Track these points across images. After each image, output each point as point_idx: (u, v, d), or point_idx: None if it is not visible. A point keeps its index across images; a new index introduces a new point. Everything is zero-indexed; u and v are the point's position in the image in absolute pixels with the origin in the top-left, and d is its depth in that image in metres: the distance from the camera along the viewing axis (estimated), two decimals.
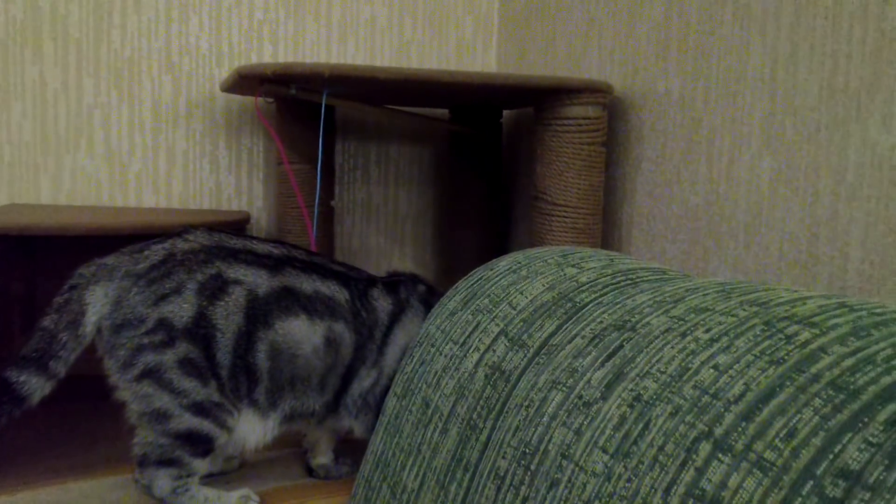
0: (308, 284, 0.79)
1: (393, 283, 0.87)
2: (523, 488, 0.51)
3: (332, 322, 0.79)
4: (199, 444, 0.75)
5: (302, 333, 0.77)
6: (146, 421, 0.74)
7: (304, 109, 1.12)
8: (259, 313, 0.76)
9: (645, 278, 0.62)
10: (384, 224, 1.49)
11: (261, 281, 0.77)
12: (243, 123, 1.37)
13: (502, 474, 0.54)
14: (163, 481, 0.75)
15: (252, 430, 0.78)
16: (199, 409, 0.74)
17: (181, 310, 0.73)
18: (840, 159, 0.77)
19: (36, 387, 0.72)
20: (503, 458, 0.55)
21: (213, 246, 0.77)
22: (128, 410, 0.76)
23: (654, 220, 1.05)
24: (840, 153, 0.77)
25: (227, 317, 0.74)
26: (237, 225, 1.28)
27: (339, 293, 0.81)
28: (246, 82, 1.02)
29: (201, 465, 0.77)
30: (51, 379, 0.73)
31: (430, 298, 0.87)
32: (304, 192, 1.13)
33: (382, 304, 0.83)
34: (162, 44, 1.30)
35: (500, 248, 1.45)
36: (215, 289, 0.75)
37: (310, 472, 0.89)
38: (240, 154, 1.37)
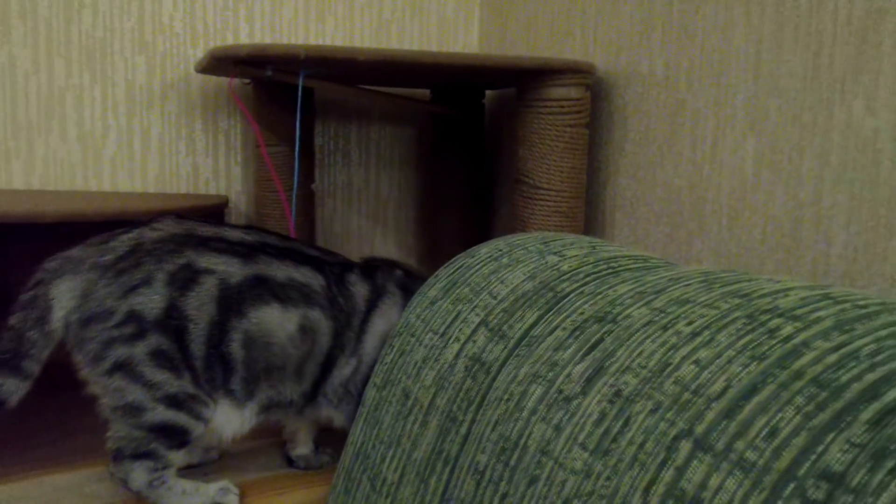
0: (282, 271, 0.77)
1: (370, 268, 0.85)
2: (503, 484, 0.50)
3: (307, 309, 0.77)
4: (175, 436, 0.74)
5: (275, 322, 0.75)
6: (119, 415, 0.73)
7: (282, 91, 1.10)
8: (232, 302, 0.74)
9: (627, 267, 0.61)
10: (366, 207, 1.47)
11: (233, 270, 0.75)
12: (220, 105, 1.34)
13: (482, 469, 0.53)
14: (138, 474, 0.74)
15: (228, 420, 0.76)
16: (173, 401, 0.73)
17: (151, 301, 0.71)
18: (824, 142, 0.76)
19: (12, 389, 0.70)
20: (483, 452, 0.54)
21: (183, 234, 0.75)
22: (100, 404, 0.74)
23: (637, 203, 1.03)
24: (824, 135, 0.76)
25: (200, 307, 0.72)
26: (215, 209, 1.26)
27: (314, 279, 0.79)
28: (220, 64, 1.00)
29: (177, 458, 0.76)
30: (26, 379, 0.71)
31: (408, 283, 0.86)
32: (282, 175, 1.10)
33: (359, 290, 0.82)
34: (134, 23, 1.26)
35: (483, 230, 1.44)
36: (186, 279, 0.73)
37: (290, 462, 0.88)
38: (217, 137, 1.34)
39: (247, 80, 1.16)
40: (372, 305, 0.82)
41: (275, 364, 0.76)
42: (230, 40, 1.31)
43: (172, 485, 0.76)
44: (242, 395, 0.76)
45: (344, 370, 0.81)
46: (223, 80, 1.32)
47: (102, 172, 1.28)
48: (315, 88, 1.21)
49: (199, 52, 1.30)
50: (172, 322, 0.72)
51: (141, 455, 0.74)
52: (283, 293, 0.76)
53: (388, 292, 0.84)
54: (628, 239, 1.06)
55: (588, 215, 1.12)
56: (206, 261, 0.74)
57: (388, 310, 0.82)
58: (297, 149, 1.05)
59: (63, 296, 0.71)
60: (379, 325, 0.82)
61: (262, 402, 0.77)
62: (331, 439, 0.90)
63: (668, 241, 0.97)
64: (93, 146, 1.27)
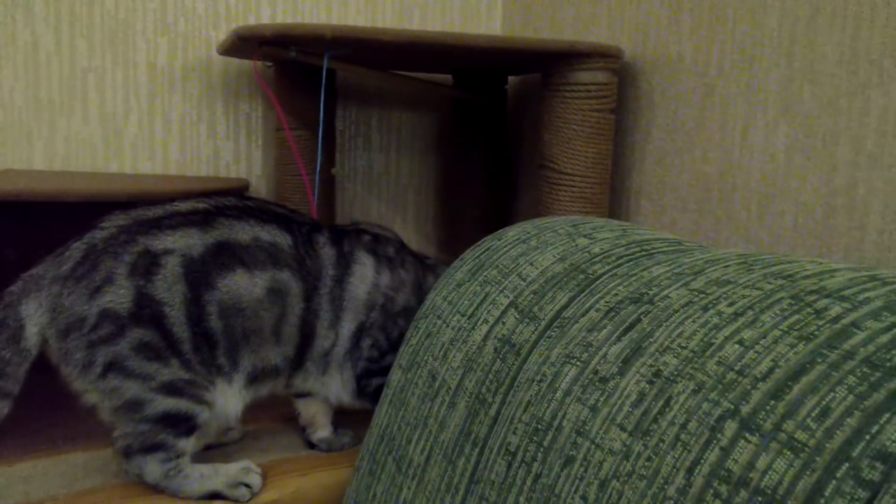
0: (245, 232, 0.76)
1: (339, 231, 0.84)
2: (535, 465, 0.49)
3: (275, 271, 0.76)
4: (180, 423, 0.73)
5: (244, 286, 0.74)
6: (122, 413, 0.72)
7: (304, 74, 1.09)
8: (200, 276, 0.73)
9: (661, 249, 0.60)
10: (385, 192, 1.46)
11: (193, 241, 0.74)
12: (241, 88, 1.33)
13: (513, 450, 0.53)
14: (152, 467, 0.74)
15: (225, 398, 0.76)
16: (171, 388, 0.72)
17: (118, 296, 0.70)
18: (860, 127, 0.75)
19: None
20: (514, 433, 0.53)
21: (131, 223, 0.74)
22: (100, 410, 0.73)
23: (663, 190, 1.02)
24: (860, 120, 0.75)
25: (170, 289, 0.71)
26: (236, 192, 1.25)
27: (281, 238, 0.78)
28: (244, 44, 0.99)
29: (188, 445, 0.75)
30: (6, 398, 0.71)
31: (376, 248, 0.85)
32: (304, 159, 1.10)
33: (328, 252, 0.81)
34: (157, 5, 1.25)
35: (503, 217, 1.43)
36: (147, 265, 0.72)
37: (311, 446, 0.88)
38: (238, 119, 1.34)
39: (269, 63, 1.15)
40: (341, 273, 0.81)
41: (251, 328, 0.75)
42: (252, 22, 1.31)
43: (189, 472, 0.75)
44: (229, 368, 0.75)
45: (324, 342, 0.80)
46: (245, 64, 1.32)
47: (123, 154, 1.28)
48: (337, 72, 1.21)
49: (221, 34, 1.30)
50: (146, 311, 0.71)
51: (150, 448, 0.73)
52: (247, 256, 0.75)
53: (357, 260, 0.82)
54: (653, 226, 1.05)
55: (612, 202, 1.11)
56: (161, 242, 0.73)
57: (358, 280, 0.82)
58: (321, 131, 1.04)
59: (33, 313, 0.71)
60: (351, 296, 0.81)
61: (247, 370, 0.76)
62: (350, 422, 0.90)
63: (695, 228, 0.96)
64: (114, 127, 1.27)
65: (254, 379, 0.77)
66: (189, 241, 0.73)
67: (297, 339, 0.79)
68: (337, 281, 0.80)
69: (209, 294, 0.73)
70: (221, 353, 0.74)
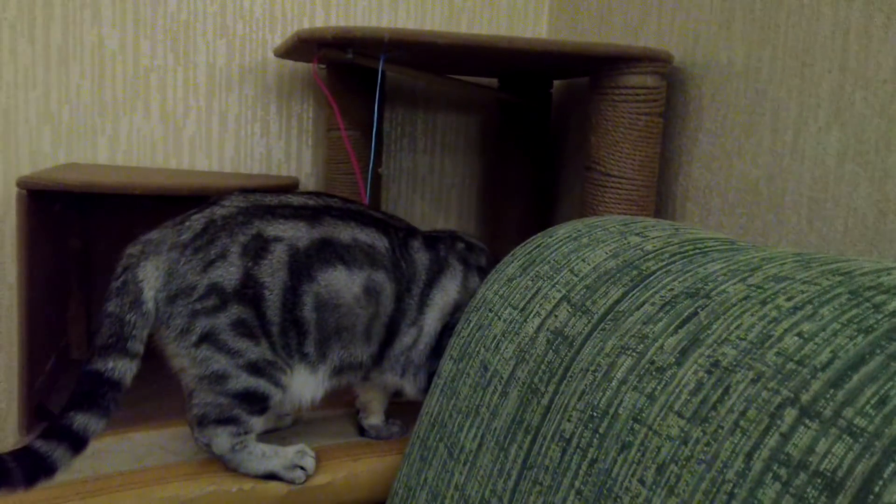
0: (346, 233, 0.80)
1: (432, 238, 0.87)
2: (591, 450, 0.51)
3: (371, 271, 0.79)
4: (256, 402, 0.77)
5: (342, 283, 0.78)
6: (206, 383, 0.76)
7: (355, 76, 1.12)
8: (302, 267, 0.77)
9: (714, 248, 0.61)
10: (429, 192, 1.49)
11: (300, 234, 0.77)
12: (294, 89, 1.37)
13: (567, 437, 0.54)
14: (222, 439, 0.77)
15: (305, 384, 0.79)
16: (255, 368, 0.76)
17: (228, 273, 0.74)
18: None
19: (125, 369, 0.73)
20: (568, 420, 0.55)
21: (250, 206, 0.78)
22: (185, 375, 0.77)
23: (710, 194, 1.03)
24: None
25: (273, 274, 0.75)
26: (286, 190, 1.29)
27: (378, 241, 0.81)
28: (304, 46, 1.03)
29: (258, 423, 0.78)
30: (134, 359, 0.74)
31: (468, 257, 0.87)
32: (358, 158, 1.13)
33: (421, 257, 0.84)
34: (217, 8, 1.30)
35: (546, 219, 1.44)
36: (258, 248, 0.76)
37: (361, 431, 0.90)
38: (290, 120, 1.38)
39: (322, 66, 1.19)
40: (432, 277, 0.84)
41: (344, 325, 0.78)
42: (306, 26, 1.35)
43: (253, 449, 0.79)
44: (316, 358, 0.78)
45: (405, 339, 0.83)
46: (298, 66, 1.36)
47: (182, 151, 1.33)
48: (386, 75, 1.24)
49: (277, 38, 1.34)
50: (249, 291, 0.75)
51: (224, 420, 0.77)
52: (348, 255, 0.79)
53: (450, 265, 0.85)
54: None
55: (658, 205, 1.12)
56: (274, 229, 0.77)
57: (448, 283, 0.84)
58: (374, 131, 1.07)
59: (150, 276, 0.75)
60: (438, 298, 0.84)
61: (334, 364, 0.80)
62: (400, 412, 0.93)
63: (743, 233, 0.97)
64: (174, 125, 1.32)
65: (339, 371, 0.81)
66: (297, 233, 0.77)
67: (383, 337, 0.82)
68: (428, 284, 0.84)
69: (308, 285, 0.77)
70: (311, 343, 0.78)
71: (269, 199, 0.80)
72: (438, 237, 0.88)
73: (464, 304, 0.85)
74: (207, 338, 0.74)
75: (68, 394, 0.73)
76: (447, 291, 0.85)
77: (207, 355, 0.75)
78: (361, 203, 0.87)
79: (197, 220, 0.77)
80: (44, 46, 1.25)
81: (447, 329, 0.84)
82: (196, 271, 0.74)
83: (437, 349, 0.84)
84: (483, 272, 0.88)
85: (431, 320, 0.84)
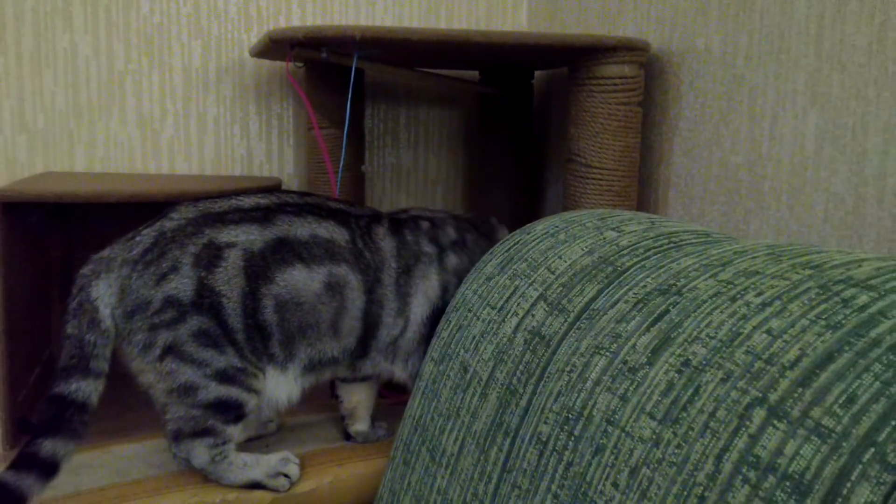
0: (303, 229, 0.79)
1: (396, 221, 0.86)
2: (567, 453, 0.51)
3: (332, 265, 0.78)
4: (230, 410, 0.76)
5: (302, 282, 0.77)
6: (175, 397, 0.75)
7: (333, 74, 1.11)
8: (259, 270, 0.76)
9: (689, 241, 0.61)
10: (414, 188, 1.48)
11: (253, 237, 0.77)
12: (273, 89, 1.36)
13: (544, 439, 0.54)
14: (200, 451, 0.76)
15: (277, 385, 0.78)
16: (224, 376, 0.75)
17: (182, 285, 0.74)
18: (890, 116, 0.74)
19: (89, 390, 0.73)
20: (545, 423, 0.55)
21: (199, 216, 0.77)
22: (154, 391, 0.76)
23: (692, 182, 1.02)
24: (890, 109, 0.74)
25: (228, 281, 0.75)
26: (268, 191, 1.28)
27: (338, 233, 0.80)
28: (277, 46, 1.01)
29: (235, 432, 0.78)
30: (98, 377, 0.74)
31: (437, 234, 0.87)
32: (333, 157, 1.12)
33: (388, 244, 0.83)
34: (190, 9, 1.28)
35: (531, 212, 1.43)
36: (210, 257, 0.75)
37: (347, 437, 0.90)
38: (270, 120, 1.36)
39: (300, 64, 1.18)
40: (407, 265, 0.83)
41: (308, 322, 0.78)
42: (283, 24, 1.33)
43: (233, 459, 0.78)
44: (284, 358, 0.78)
45: (391, 330, 0.82)
46: (276, 65, 1.35)
47: (161, 155, 1.31)
48: (365, 71, 1.22)
49: (253, 37, 1.32)
50: (206, 301, 0.74)
51: (200, 433, 0.76)
52: (306, 252, 0.78)
53: (422, 251, 0.85)
54: (682, 218, 1.05)
55: (640, 194, 1.11)
56: (225, 235, 0.76)
57: (426, 269, 0.84)
58: (346, 128, 1.06)
59: (104, 294, 0.74)
60: (421, 285, 0.83)
61: (303, 361, 0.79)
62: (385, 415, 0.92)
63: (725, 220, 0.96)
64: (151, 129, 1.30)
65: (311, 368, 0.80)
66: (250, 237, 0.77)
67: (361, 331, 0.81)
68: (404, 272, 0.83)
69: (267, 287, 0.76)
70: (276, 344, 0.77)
71: (218, 205, 0.79)
72: (400, 220, 0.87)
73: (449, 283, 0.84)
74: (171, 350, 0.74)
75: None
76: (427, 277, 0.84)
77: (173, 368, 0.74)
78: (320, 195, 0.86)
79: (147, 235, 0.76)
80: (16, 55, 1.23)
81: (438, 312, 0.84)
82: (149, 286, 0.74)
83: (430, 335, 0.83)
84: (455, 245, 0.87)
85: (417, 307, 0.83)
